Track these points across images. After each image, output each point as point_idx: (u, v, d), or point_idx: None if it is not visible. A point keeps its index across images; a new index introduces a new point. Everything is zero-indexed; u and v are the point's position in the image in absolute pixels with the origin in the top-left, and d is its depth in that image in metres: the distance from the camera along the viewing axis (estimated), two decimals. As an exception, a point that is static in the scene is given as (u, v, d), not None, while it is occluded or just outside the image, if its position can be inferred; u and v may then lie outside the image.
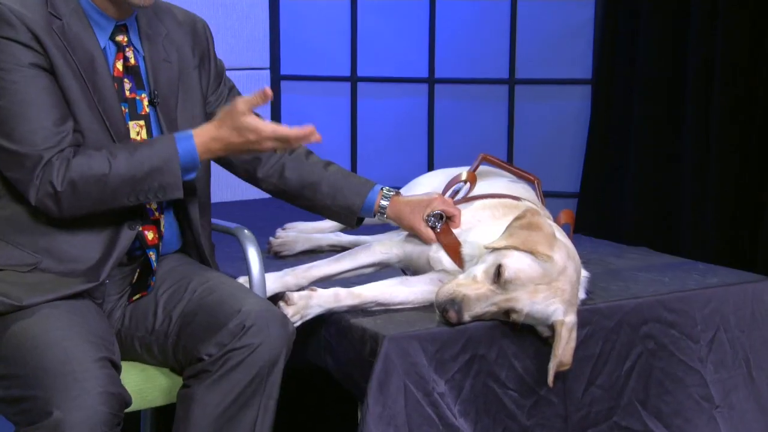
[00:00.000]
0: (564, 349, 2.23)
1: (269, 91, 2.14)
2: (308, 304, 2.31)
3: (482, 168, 2.80)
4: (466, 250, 2.40)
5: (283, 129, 2.17)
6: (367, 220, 2.58)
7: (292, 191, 2.50)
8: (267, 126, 2.16)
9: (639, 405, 2.46)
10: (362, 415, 2.19)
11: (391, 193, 2.49)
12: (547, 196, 2.77)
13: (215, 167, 2.45)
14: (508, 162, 2.83)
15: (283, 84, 4.80)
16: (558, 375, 2.28)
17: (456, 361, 2.26)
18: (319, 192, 2.48)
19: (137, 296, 2.28)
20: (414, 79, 4.73)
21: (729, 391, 2.57)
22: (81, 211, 2.15)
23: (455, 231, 2.44)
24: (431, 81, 4.68)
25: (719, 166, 3.91)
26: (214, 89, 2.44)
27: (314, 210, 2.53)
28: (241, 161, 2.49)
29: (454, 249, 2.41)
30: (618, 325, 2.44)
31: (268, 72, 4.70)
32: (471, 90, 4.65)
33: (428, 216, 2.45)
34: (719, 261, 3.24)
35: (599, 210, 4.36)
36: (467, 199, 2.55)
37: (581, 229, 4.27)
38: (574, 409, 2.38)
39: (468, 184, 2.64)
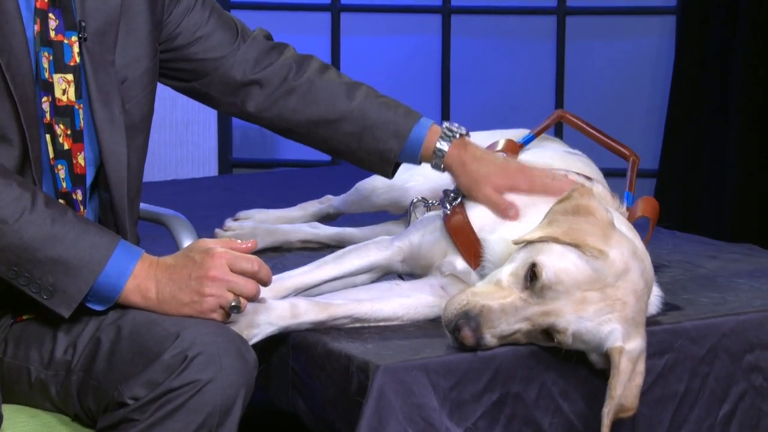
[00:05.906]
0: (625, 388, 2.23)
1: (255, 245, 2.21)
2: (254, 321, 2.30)
3: (518, 132, 2.80)
4: (489, 253, 2.39)
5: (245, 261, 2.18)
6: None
7: (301, 130, 2.51)
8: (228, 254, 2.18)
9: (742, 465, 2.49)
10: (346, 477, 2.21)
11: (455, 133, 2.47)
12: (611, 176, 2.78)
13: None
14: (594, 126, 2.79)
15: (234, 15, 4.79)
16: (621, 424, 2.28)
17: (479, 403, 2.26)
18: (340, 131, 2.49)
19: (27, 315, 2.28)
20: (422, 8, 4.75)
21: None
22: None
23: (478, 222, 2.43)
24: (446, 11, 4.70)
25: None
26: (175, 3, 2.42)
27: (334, 154, 2.55)
28: (222, 92, 2.50)
29: (468, 247, 2.41)
30: (711, 354, 2.45)
31: (213, -3, 4.71)
32: (503, 23, 4.67)
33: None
34: None
35: (685, 194, 4.38)
36: None
37: (659, 219, 4.30)
38: (648, 472, 2.41)
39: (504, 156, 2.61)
